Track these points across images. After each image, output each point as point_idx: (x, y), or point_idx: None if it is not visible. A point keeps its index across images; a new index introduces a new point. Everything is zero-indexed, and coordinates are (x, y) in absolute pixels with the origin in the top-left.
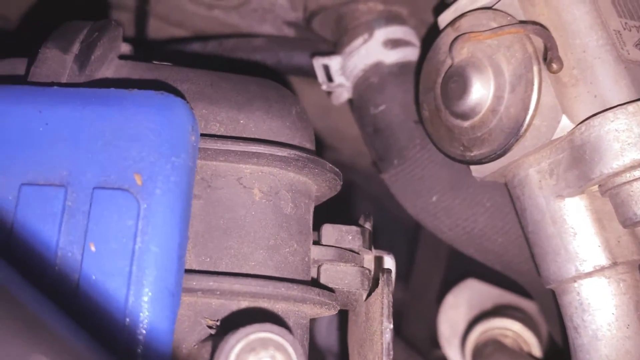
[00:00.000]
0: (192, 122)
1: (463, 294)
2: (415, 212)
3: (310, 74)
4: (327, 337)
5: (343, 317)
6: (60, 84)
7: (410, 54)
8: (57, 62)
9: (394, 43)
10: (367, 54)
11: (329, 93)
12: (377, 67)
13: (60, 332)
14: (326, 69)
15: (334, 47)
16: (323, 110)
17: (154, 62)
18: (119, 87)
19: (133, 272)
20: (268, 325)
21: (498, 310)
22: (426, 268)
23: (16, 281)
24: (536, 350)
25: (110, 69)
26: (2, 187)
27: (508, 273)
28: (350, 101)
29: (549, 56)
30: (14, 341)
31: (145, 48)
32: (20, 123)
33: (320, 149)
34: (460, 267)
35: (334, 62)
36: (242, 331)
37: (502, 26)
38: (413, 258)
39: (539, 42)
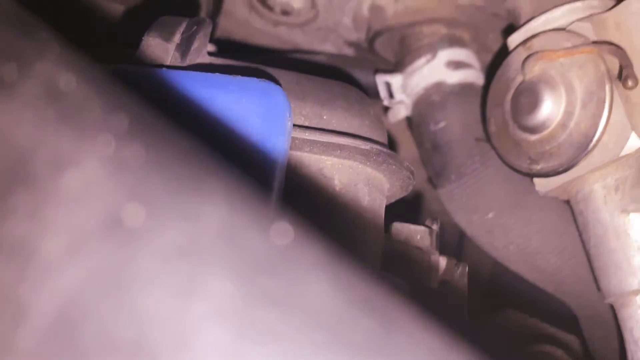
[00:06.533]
0: (288, 108)
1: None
2: (469, 228)
3: (367, 92)
4: None
5: None
6: (165, 67)
7: (472, 76)
8: (160, 49)
9: (456, 64)
10: (430, 73)
11: (387, 109)
12: (439, 86)
13: None
14: (388, 86)
15: (394, 66)
16: None
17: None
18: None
19: None
20: None
21: (537, 339)
22: None
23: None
24: None
25: (205, 62)
26: None
27: (559, 294)
28: (408, 119)
29: (624, 74)
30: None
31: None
32: None
33: None
34: (497, 301)
35: (396, 80)
36: None
37: (576, 45)
38: None
39: (611, 63)
